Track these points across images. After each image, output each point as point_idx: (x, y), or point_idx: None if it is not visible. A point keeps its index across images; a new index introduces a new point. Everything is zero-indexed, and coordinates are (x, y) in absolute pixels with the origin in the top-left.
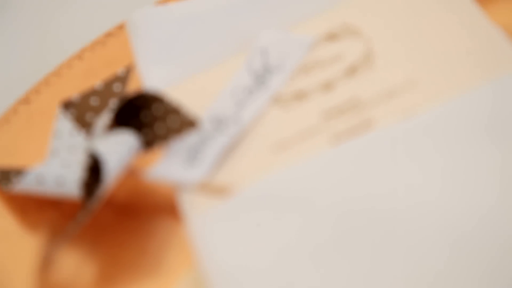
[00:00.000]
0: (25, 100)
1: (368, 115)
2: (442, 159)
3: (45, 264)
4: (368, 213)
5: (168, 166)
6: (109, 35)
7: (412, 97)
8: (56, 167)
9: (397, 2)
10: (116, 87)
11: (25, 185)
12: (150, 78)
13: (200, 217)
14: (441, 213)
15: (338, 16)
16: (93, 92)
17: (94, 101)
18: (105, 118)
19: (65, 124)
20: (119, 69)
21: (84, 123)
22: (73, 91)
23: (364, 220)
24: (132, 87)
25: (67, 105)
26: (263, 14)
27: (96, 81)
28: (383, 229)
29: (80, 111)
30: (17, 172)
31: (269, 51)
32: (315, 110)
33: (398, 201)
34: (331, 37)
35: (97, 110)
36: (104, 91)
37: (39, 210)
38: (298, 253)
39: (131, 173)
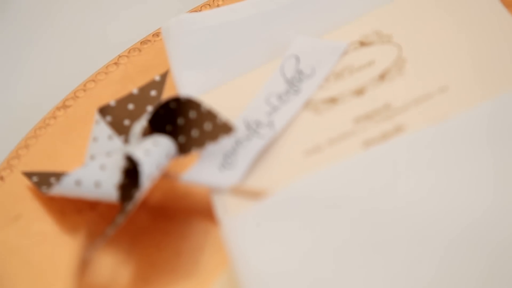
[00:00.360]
0: (64, 106)
1: (399, 121)
2: (468, 164)
3: (83, 265)
4: (401, 214)
5: (203, 170)
6: (145, 42)
7: (443, 102)
8: (95, 170)
9: (427, 9)
10: (153, 93)
11: (64, 188)
12: (185, 84)
13: (233, 219)
14: (474, 217)
15: (370, 23)
16: (129, 98)
17: (131, 107)
18: (142, 123)
19: (102, 129)
20: (155, 75)
21: (121, 128)
22: (110, 97)
23: (396, 223)
24: (168, 93)
25: (104, 110)
26: (296, 21)
27: (133, 87)
28: (414, 231)
29: (117, 116)
30: (56, 175)
31: (303, 57)
32: (347, 115)
33: (429, 204)
34: (363, 43)
35: (134, 115)
36: (141, 97)
37: (77, 212)
38: (329, 255)
39: (166, 176)
